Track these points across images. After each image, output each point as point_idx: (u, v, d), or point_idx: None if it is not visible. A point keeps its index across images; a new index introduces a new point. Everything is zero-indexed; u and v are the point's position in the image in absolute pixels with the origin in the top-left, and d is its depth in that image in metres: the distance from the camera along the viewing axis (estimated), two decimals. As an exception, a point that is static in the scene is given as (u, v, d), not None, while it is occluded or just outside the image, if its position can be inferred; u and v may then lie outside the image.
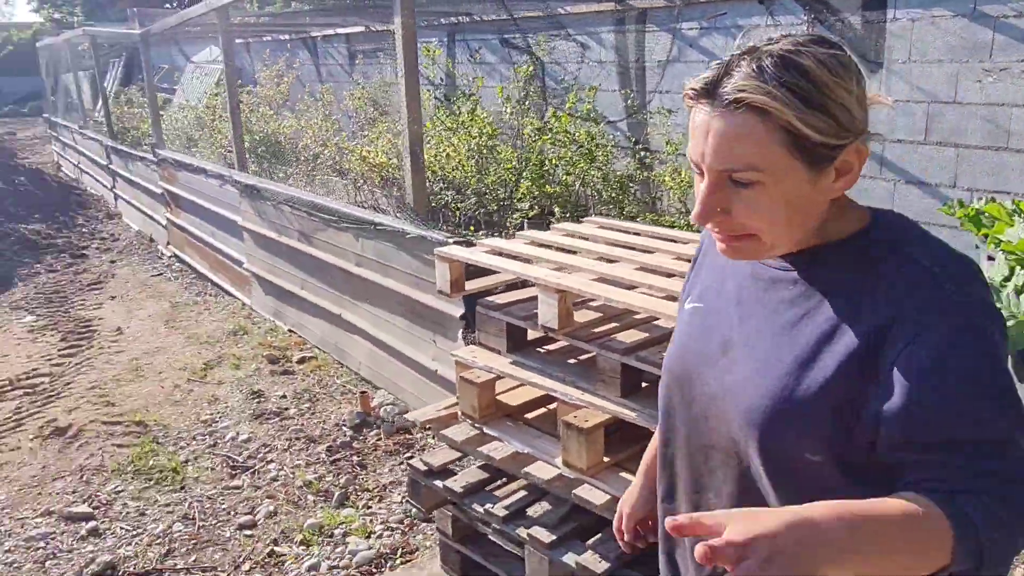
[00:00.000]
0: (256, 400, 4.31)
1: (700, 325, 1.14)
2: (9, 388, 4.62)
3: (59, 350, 5.17)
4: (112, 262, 7.51)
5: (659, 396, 1.20)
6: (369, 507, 3.27)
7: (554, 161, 4.93)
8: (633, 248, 2.58)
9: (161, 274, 7.03)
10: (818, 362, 0.95)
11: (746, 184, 0.94)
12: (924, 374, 0.88)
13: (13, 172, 11.15)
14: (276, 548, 3.01)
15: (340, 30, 9.16)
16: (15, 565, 2.91)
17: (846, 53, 0.94)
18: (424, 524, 3.10)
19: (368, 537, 3.06)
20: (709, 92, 0.94)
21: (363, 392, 4.19)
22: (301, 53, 10.13)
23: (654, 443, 1.34)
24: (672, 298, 2.10)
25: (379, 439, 3.83)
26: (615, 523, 1.41)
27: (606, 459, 2.21)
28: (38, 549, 3.04)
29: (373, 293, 4.27)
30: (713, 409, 1.07)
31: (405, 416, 3.46)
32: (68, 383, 4.65)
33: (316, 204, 4.69)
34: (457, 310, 3.52)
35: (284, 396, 4.36)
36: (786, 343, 0.99)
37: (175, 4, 17.74)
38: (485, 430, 2.49)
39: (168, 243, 7.55)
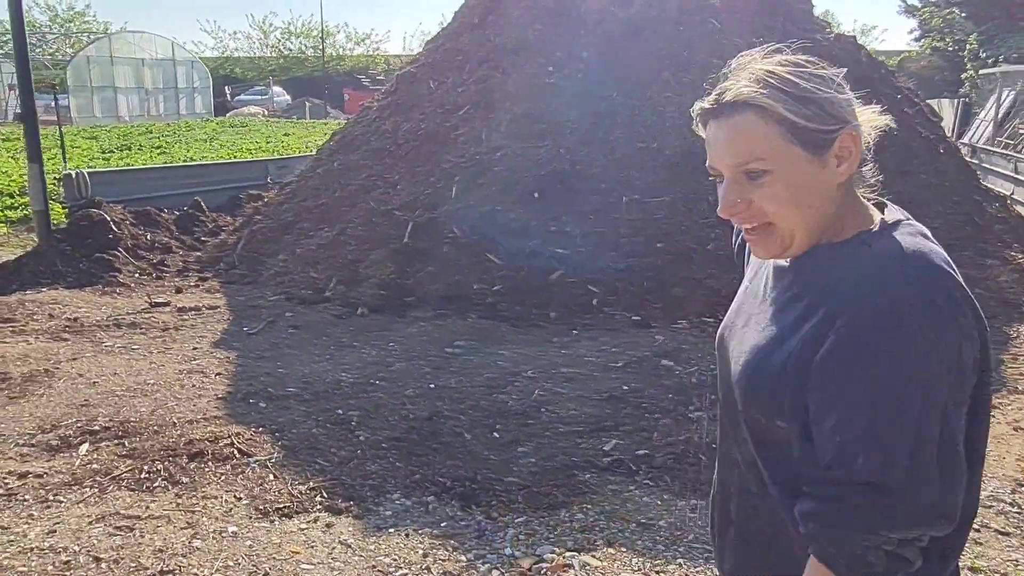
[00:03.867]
0: None
1: (738, 302, 1.35)
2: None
3: None
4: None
5: None
6: None
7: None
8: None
9: None
10: (788, 342, 1.11)
11: (758, 174, 1.11)
12: (820, 387, 1.06)
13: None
14: None
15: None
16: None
17: (822, 64, 1.14)
18: None
19: None
20: (713, 108, 1.15)
21: None
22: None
23: None
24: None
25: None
26: None
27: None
28: None
29: None
30: (728, 373, 1.25)
31: None
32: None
33: None
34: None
35: None
36: (775, 323, 1.16)
37: None
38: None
39: None
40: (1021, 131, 13.87)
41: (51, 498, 3.28)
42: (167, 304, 6.49)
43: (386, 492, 3.43)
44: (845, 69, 1.19)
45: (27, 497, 3.29)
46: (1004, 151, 13.10)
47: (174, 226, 8.65)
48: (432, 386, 4.71)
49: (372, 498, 3.38)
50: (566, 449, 3.89)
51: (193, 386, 4.63)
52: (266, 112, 32.60)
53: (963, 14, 28.08)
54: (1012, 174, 11.93)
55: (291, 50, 45.46)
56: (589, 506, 3.34)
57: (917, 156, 8.77)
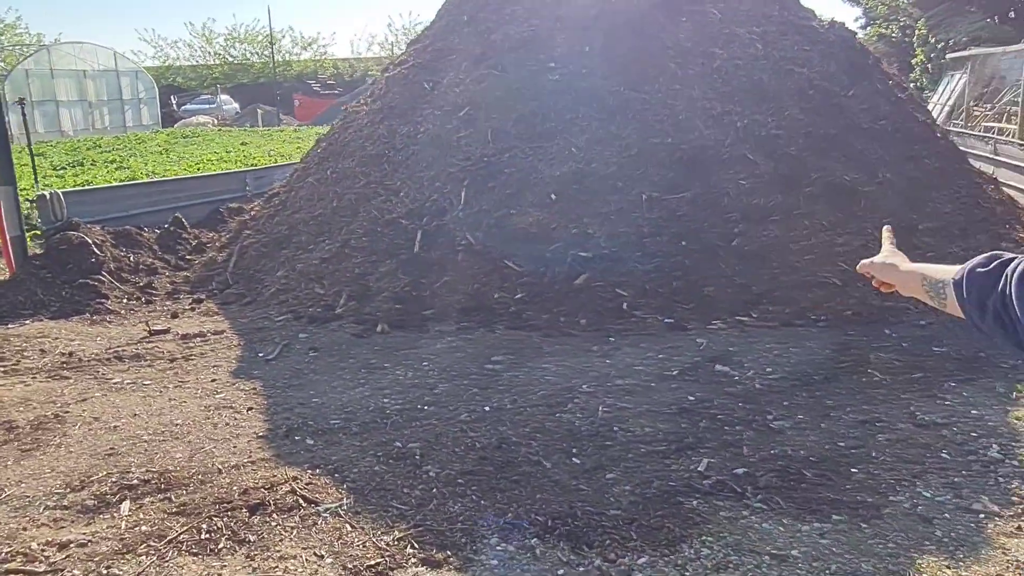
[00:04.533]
0: None
1: None
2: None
3: None
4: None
5: None
6: None
7: None
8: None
9: None
10: None
11: None
12: None
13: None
14: None
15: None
16: None
17: None
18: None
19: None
20: None
21: None
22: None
23: None
24: None
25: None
26: None
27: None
28: None
29: None
30: None
31: None
32: None
33: None
34: None
35: None
36: None
37: None
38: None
39: None
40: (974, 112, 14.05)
41: (104, 572, 2.85)
42: (167, 331, 6.00)
43: (481, 537, 3.08)
44: None
45: (75, 573, 2.85)
46: (982, 133, 13.23)
47: (156, 245, 8.10)
48: (487, 408, 4.36)
49: (468, 545, 3.02)
50: (658, 472, 3.58)
51: (226, 424, 4.19)
52: (215, 121, 31.60)
53: (908, 1, 28.63)
54: (992, 156, 12.03)
55: (235, 57, 44.28)
56: (710, 538, 3.04)
57: (919, 141, 8.69)
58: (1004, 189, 10.12)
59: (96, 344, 5.71)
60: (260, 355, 5.45)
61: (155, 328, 6.02)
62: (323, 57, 45.03)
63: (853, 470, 3.57)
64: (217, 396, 4.64)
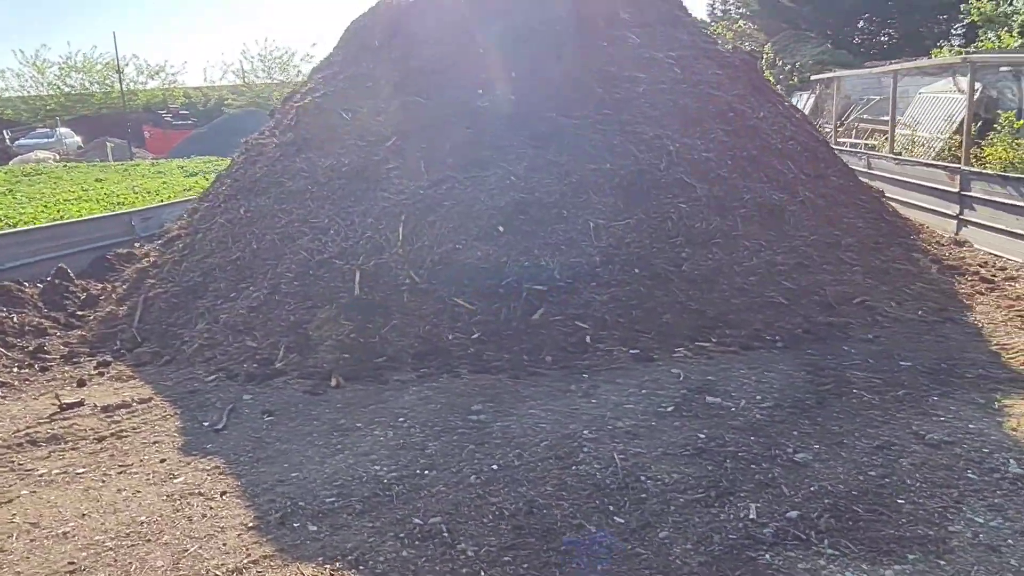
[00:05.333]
0: None
1: None
2: None
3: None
4: None
5: None
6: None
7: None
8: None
9: None
10: None
11: None
12: None
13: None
14: None
15: None
16: None
17: None
18: None
19: None
20: None
21: None
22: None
23: None
24: None
25: None
26: None
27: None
28: None
29: None
30: None
31: None
32: None
33: None
34: None
35: None
36: None
37: None
38: None
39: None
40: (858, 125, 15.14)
41: None
42: (81, 403, 5.19)
43: (559, 625, 2.73)
44: None
45: None
46: (853, 149, 14.13)
47: (41, 302, 7.11)
48: (495, 467, 3.99)
49: (549, 637, 2.66)
50: (711, 525, 3.35)
51: (202, 516, 3.59)
52: (57, 156, 29.05)
53: (755, 26, 30.63)
54: (865, 169, 12.85)
55: (72, 87, 41.07)
56: (802, 597, 2.83)
57: (821, 160, 9.09)
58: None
59: (-3, 427, 4.85)
60: (206, 424, 4.80)
61: (67, 401, 5.19)
62: (172, 86, 42.59)
63: (899, 501, 3.50)
64: (176, 481, 3.99)
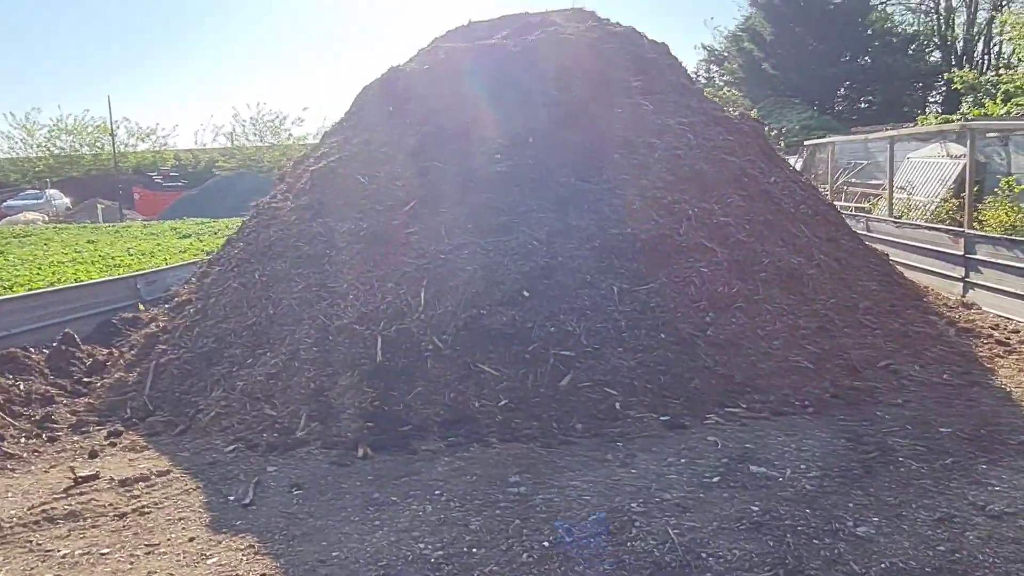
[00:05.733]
0: None
1: None
2: None
3: None
4: None
5: None
6: None
7: None
8: None
9: None
10: None
11: None
12: None
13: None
14: None
15: None
16: None
17: None
18: None
19: None
20: None
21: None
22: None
23: None
24: None
25: None
26: None
27: None
28: None
29: None
30: None
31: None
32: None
33: None
34: None
35: None
36: None
37: None
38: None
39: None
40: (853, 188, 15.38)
41: None
42: (96, 476, 4.97)
43: None
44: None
45: None
46: (852, 212, 14.31)
47: (48, 368, 6.90)
48: (545, 544, 3.82)
49: None
50: (787, 607, 3.20)
51: (245, 601, 3.38)
52: (47, 217, 28.90)
53: (740, 93, 31.41)
54: (865, 232, 12.99)
55: (63, 149, 41.16)
56: None
57: (832, 223, 9.17)
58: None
59: (10, 503, 4.61)
60: (231, 499, 4.59)
61: (81, 474, 4.97)
62: (163, 148, 42.80)
63: (977, 579, 3.36)
64: (209, 562, 3.78)
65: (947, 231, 10.71)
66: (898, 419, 5.57)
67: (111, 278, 9.60)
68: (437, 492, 4.53)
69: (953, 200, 13.33)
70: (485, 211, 7.00)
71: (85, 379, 7.02)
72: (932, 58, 34.24)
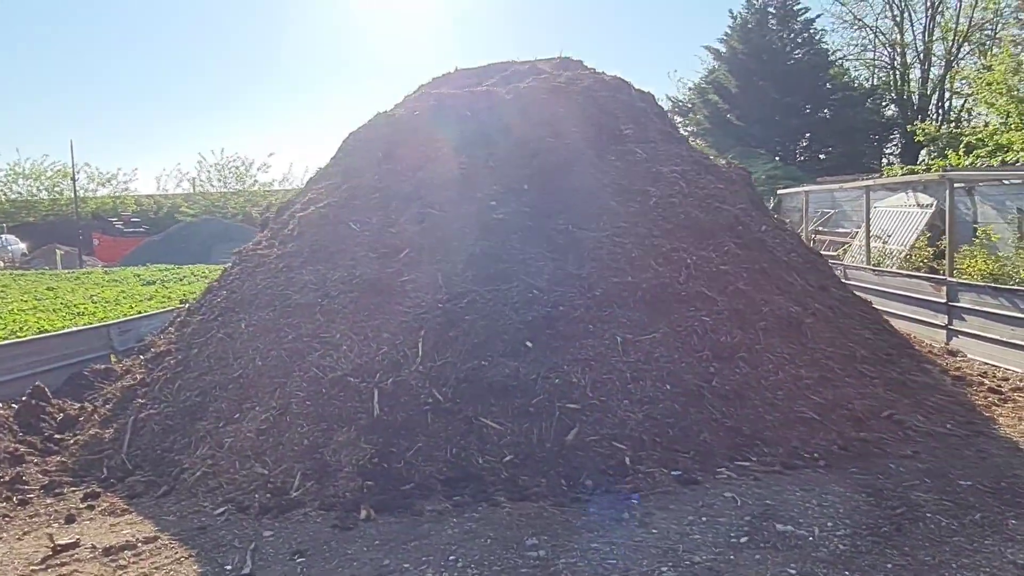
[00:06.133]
0: None
1: None
2: None
3: None
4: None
5: None
6: None
7: None
8: None
9: None
10: None
11: None
12: None
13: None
14: None
15: None
16: None
17: None
18: None
19: None
20: None
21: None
22: None
23: None
24: None
25: None
26: None
27: None
28: None
29: None
30: None
31: None
32: None
33: None
34: None
35: None
36: None
37: None
38: None
39: None
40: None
41: None
42: (76, 544, 4.59)
43: None
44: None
45: None
46: (830, 262, 14.44)
47: (16, 424, 6.47)
48: (579, 616, 3.56)
49: None
50: None
51: None
52: (2, 263, 28.00)
53: (706, 143, 31.99)
54: (842, 280, 13.11)
55: (20, 193, 40.20)
56: None
57: (821, 271, 9.17)
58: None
59: (-18, 576, 4.21)
60: (228, 568, 4.25)
61: (60, 543, 4.58)
62: (124, 193, 42.05)
63: (1041, 648, 3.20)
64: (213, 642, 3.45)
65: (929, 279, 10.82)
66: (913, 472, 5.45)
67: (81, 327, 9.16)
68: (452, 558, 4.26)
69: (928, 249, 13.54)
70: (483, 258, 6.83)
71: (56, 436, 6.60)
72: (889, 111, 35.43)
